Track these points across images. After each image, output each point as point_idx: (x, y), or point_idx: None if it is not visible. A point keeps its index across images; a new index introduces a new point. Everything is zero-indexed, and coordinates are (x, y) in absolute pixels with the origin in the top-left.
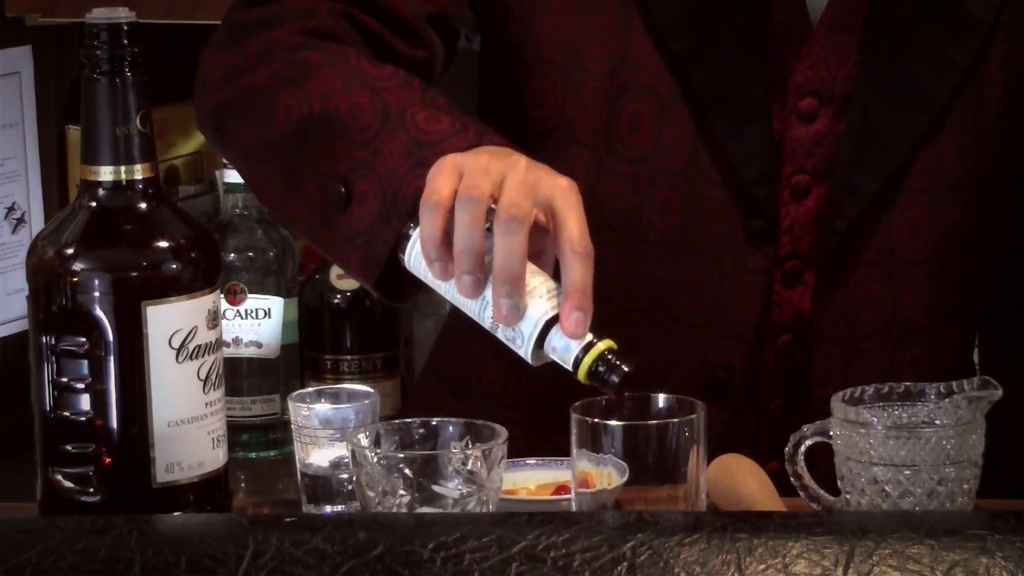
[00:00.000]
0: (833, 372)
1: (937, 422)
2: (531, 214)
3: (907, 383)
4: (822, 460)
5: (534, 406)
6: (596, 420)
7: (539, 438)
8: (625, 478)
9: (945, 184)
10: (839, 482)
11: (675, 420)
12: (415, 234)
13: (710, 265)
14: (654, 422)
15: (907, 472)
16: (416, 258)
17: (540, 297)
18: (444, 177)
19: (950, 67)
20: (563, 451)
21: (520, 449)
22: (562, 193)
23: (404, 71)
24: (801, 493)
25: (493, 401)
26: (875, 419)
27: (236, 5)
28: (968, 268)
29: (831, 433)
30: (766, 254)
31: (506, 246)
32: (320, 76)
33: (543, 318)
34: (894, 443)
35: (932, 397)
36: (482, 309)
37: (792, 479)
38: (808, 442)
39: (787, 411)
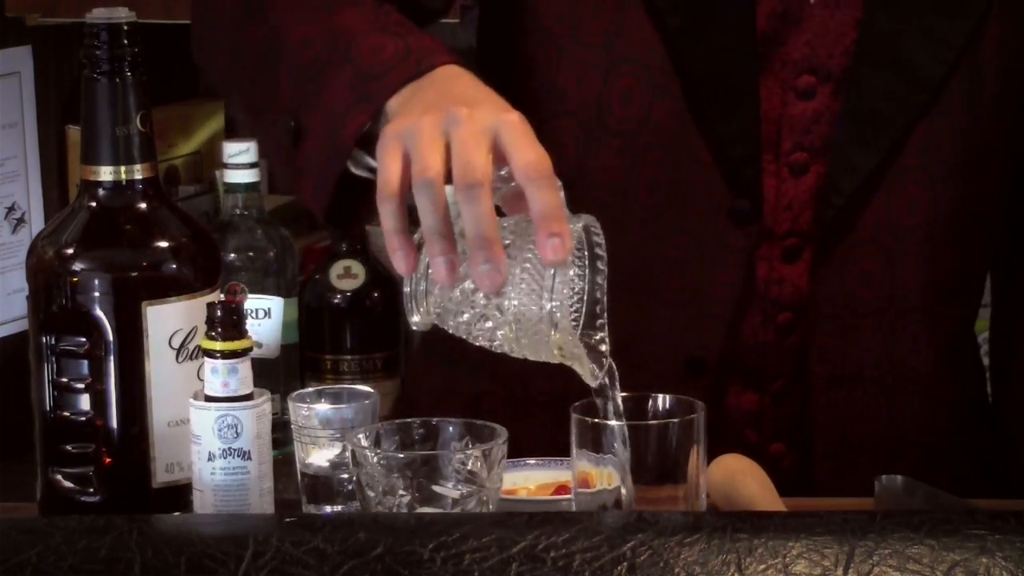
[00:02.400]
0: (832, 349)
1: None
2: (487, 167)
3: None
4: None
5: (514, 379)
6: (596, 420)
7: (519, 410)
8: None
9: (942, 163)
10: None
11: (675, 420)
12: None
13: (691, 242)
14: (654, 422)
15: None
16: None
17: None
18: (391, 158)
19: (945, 46)
20: (544, 421)
21: (503, 420)
22: (508, 128)
23: None
24: None
25: (476, 369)
26: None
27: None
28: (966, 248)
29: None
30: (748, 234)
31: (472, 215)
32: (272, 6)
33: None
34: None
35: None
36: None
37: None
38: None
39: (788, 390)
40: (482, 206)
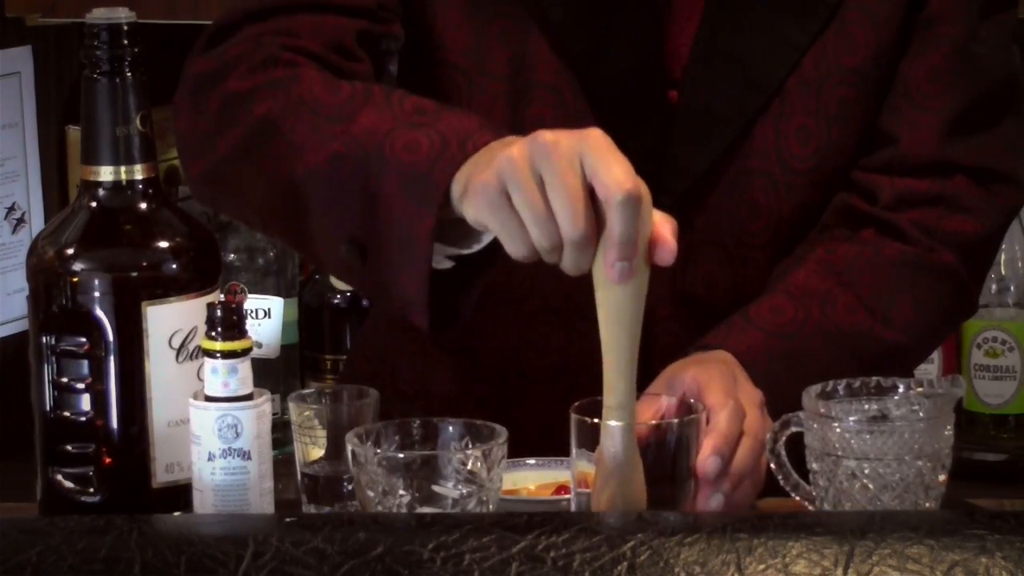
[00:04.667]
0: (676, 350)
1: (900, 412)
2: (582, 190)
3: (878, 377)
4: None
5: (446, 407)
6: (596, 420)
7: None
8: None
9: (786, 168)
10: (810, 476)
11: (675, 420)
12: None
13: None
14: (654, 422)
15: (878, 465)
16: None
17: None
18: (502, 215)
19: (789, 46)
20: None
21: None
22: (592, 145)
23: (360, 83)
24: (780, 481)
25: (407, 402)
26: (845, 413)
27: (192, 54)
28: None
29: (803, 427)
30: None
31: (565, 215)
32: (286, 129)
33: None
34: (868, 437)
35: (901, 391)
36: None
37: (773, 467)
38: (790, 430)
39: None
40: (584, 221)
